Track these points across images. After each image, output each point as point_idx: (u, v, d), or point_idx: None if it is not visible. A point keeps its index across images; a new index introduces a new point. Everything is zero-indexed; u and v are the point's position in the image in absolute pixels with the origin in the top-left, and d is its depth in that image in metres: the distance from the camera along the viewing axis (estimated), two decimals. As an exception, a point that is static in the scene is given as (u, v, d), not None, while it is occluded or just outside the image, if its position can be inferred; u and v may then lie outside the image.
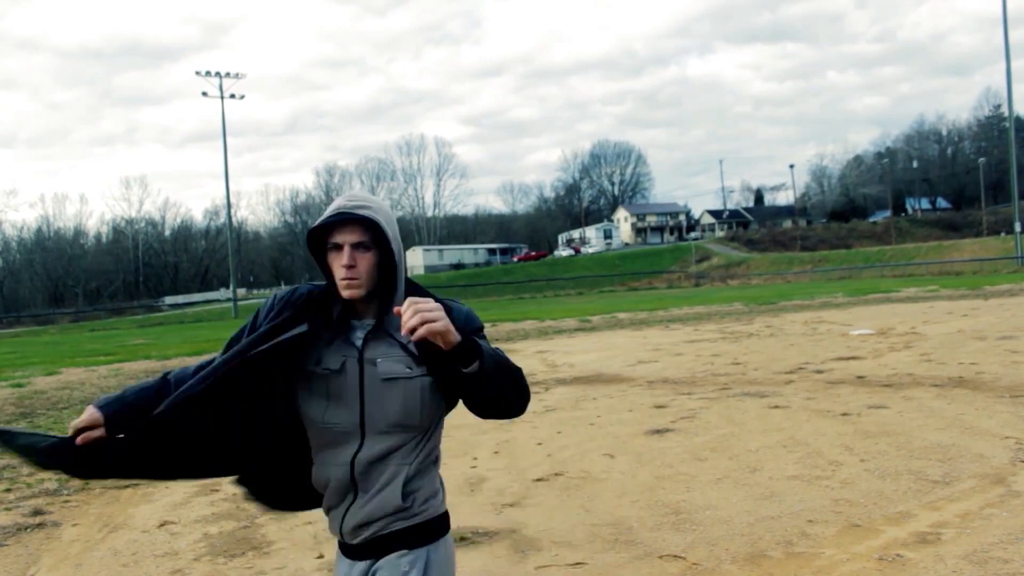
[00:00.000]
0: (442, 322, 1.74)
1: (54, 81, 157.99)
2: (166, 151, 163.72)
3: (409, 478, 1.97)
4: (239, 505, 5.97)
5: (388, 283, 1.99)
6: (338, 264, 1.95)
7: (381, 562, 1.99)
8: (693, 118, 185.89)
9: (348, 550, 2.06)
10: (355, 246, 1.94)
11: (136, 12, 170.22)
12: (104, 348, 25.96)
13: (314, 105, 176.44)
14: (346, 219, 1.94)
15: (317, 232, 1.98)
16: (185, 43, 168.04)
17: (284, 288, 2.16)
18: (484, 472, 6.62)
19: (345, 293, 1.95)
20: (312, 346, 1.98)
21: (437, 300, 1.97)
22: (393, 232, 1.98)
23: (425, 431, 2.00)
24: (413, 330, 1.72)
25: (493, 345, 1.93)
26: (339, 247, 1.95)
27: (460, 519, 5.22)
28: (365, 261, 1.95)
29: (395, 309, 1.79)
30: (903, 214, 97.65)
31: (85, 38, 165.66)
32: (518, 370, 1.94)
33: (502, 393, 1.89)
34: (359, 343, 1.98)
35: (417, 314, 1.73)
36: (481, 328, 2.00)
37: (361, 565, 2.02)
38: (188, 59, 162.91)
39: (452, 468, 6.77)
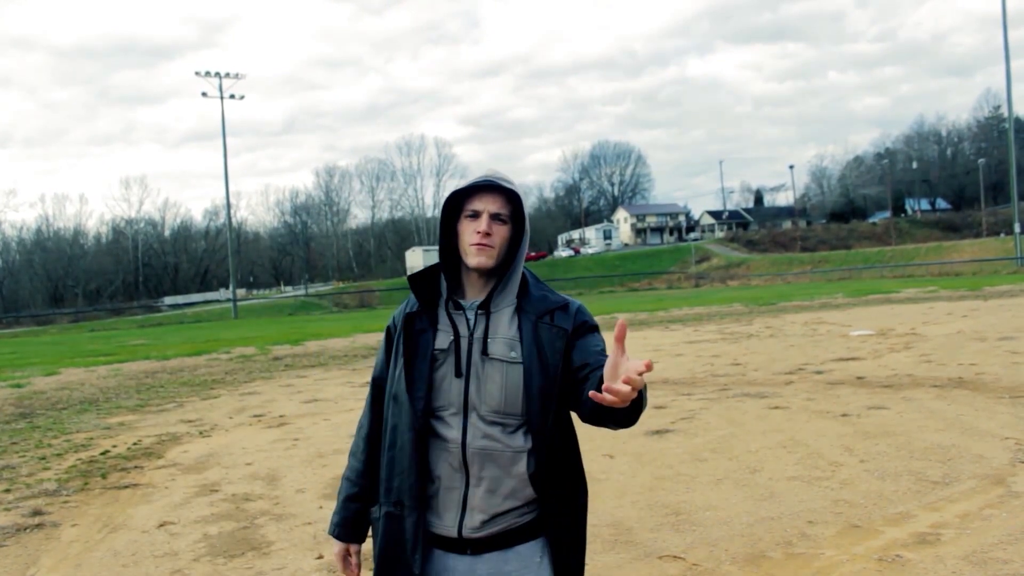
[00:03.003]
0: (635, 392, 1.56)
1: (50, 80, 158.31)
2: (164, 151, 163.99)
3: (531, 471, 1.89)
4: (238, 506, 5.97)
5: (507, 264, 1.97)
6: (472, 230, 1.92)
7: (508, 554, 1.92)
8: (693, 118, 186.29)
9: (460, 545, 1.93)
10: (494, 216, 1.92)
11: (132, 10, 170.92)
12: (104, 348, 25.96)
13: (312, 105, 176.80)
14: (490, 187, 1.93)
15: (454, 199, 1.96)
16: (181, 42, 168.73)
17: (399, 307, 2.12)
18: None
19: (473, 261, 1.91)
20: (427, 327, 1.97)
21: (556, 295, 1.97)
22: (527, 214, 1.98)
23: (534, 421, 1.88)
24: (611, 390, 1.53)
25: None
26: (477, 214, 1.93)
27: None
28: (500, 233, 1.93)
29: (624, 380, 1.53)
30: (903, 215, 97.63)
31: (81, 36, 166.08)
32: (646, 394, 1.79)
33: (626, 416, 1.74)
34: (468, 321, 1.95)
35: (633, 390, 1.52)
36: (596, 327, 1.97)
37: (471, 559, 1.92)
38: (184, 58, 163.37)
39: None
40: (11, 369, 18.97)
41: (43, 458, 8.15)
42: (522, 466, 1.89)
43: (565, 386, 1.90)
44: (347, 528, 2.16)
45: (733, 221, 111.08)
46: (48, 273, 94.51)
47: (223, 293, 77.44)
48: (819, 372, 11.20)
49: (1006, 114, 62.80)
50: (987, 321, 17.09)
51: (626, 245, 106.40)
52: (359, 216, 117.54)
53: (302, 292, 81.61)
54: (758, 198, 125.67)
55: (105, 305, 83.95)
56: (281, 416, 10.24)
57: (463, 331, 1.94)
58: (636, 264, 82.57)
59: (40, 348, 29.97)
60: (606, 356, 1.87)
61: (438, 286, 2.02)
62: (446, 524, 1.92)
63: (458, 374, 1.91)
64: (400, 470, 1.96)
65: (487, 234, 1.90)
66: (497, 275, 1.97)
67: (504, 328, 1.92)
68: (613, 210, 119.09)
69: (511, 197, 1.94)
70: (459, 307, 1.97)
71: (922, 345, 13.55)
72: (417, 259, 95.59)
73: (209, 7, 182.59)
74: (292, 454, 7.80)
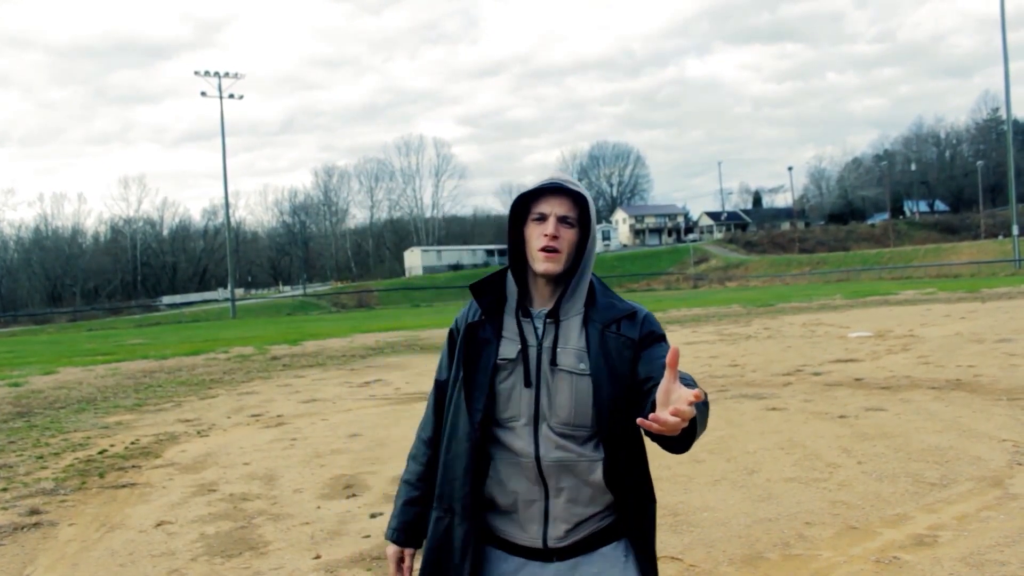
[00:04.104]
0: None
1: (48, 79, 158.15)
2: (161, 150, 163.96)
3: (607, 477, 1.86)
4: (236, 506, 5.97)
5: (574, 269, 1.93)
6: (539, 234, 1.88)
7: (592, 556, 1.89)
8: (692, 119, 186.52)
9: (546, 555, 1.90)
10: (561, 219, 1.88)
11: (129, 9, 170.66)
12: (102, 348, 25.94)
13: (310, 104, 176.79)
14: (557, 189, 1.89)
15: (521, 201, 1.93)
16: (179, 41, 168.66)
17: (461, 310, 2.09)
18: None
19: (541, 267, 1.88)
20: (491, 336, 1.94)
21: (623, 303, 1.93)
22: (595, 217, 1.93)
23: (605, 431, 1.85)
24: (658, 420, 1.52)
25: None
26: (544, 217, 1.89)
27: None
28: (568, 236, 1.89)
29: (672, 411, 1.49)
30: (901, 217, 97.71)
31: (77, 35, 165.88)
32: (708, 411, 1.78)
33: (679, 442, 1.68)
34: (538, 331, 1.91)
35: (682, 420, 1.50)
36: (663, 336, 1.93)
37: (557, 566, 1.90)
38: (182, 57, 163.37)
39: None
40: (9, 368, 18.95)
41: (40, 457, 8.14)
42: (598, 474, 1.86)
43: (632, 396, 1.87)
44: (405, 532, 2.11)
45: (732, 222, 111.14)
46: (46, 272, 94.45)
47: (221, 293, 77.41)
48: (817, 373, 11.21)
49: (1005, 116, 62.90)
50: (985, 323, 17.11)
51: (624, 246, 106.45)
52: (358, 216, 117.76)
53: (300, 292, 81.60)
54: (757, 199, 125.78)
55: (103, 304, 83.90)
56: (279, 416, 10.23)
57: (531, 340, 1.90)
58: (634, 265, 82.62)
59: (38, 347, 29.94)
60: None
61: (503, 292, 1.99)
62: (529, 536, 1.90)
63: (527, 384, 1.88)
64: (453, 477, 1.94)
65: (554, 237, 1.86)
66: (565, 280, 1.93)
67: (573, 339, 1.89)
68: (612, 211, 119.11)
69: (578, 200, 1.89)
70: (528, 315, 1.94)
71: (920, 347, 13.56)
72: (415, 260, 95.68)
73: (207, 6, 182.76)
74: (290, 454, 7.80)
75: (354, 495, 6.10)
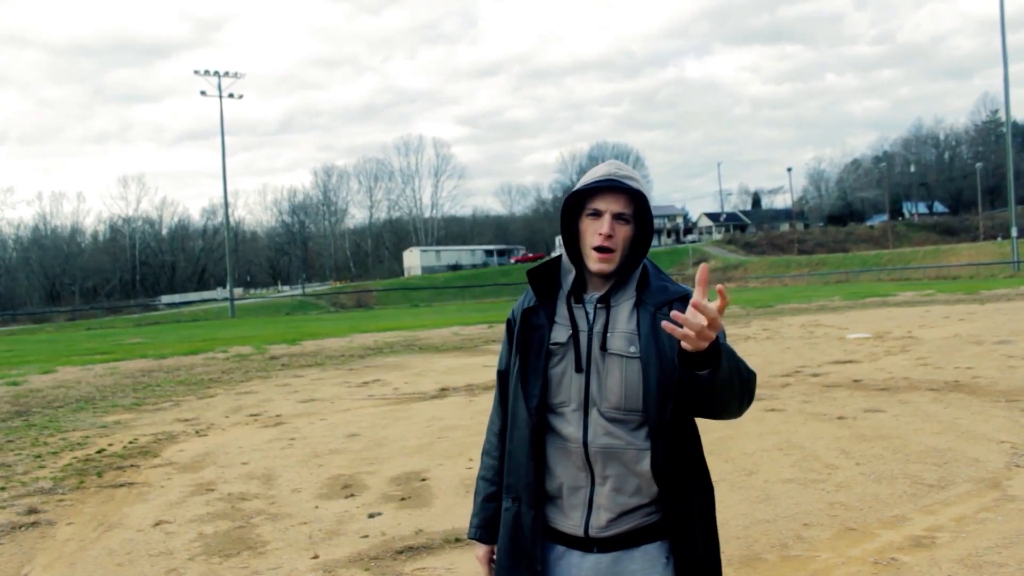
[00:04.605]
0: (713, 336, 1.61)
1: (45, 77, 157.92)
2: (160, 149, 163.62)
3: (655, 468, 1.82)
4: (234, 505, 5.96)
5: (632, 262, 1.91)
6: (594, 231, 1.87)
7: (634, 553, 1.86)
8: (691, 120, 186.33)
9: (587, 543, 1.88)
10: (616, 216, 1.86)
11: (127, 8, 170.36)
12: (100, 347, 25.91)
13: (309, 104, 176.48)
14: (613, 186, 1.87)
15: (576, 196, 1.91)
16: (177, 40, 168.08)
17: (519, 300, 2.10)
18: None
19: (595, 267, 1.87)
20: (544, 322, 1.94)
21: (676, 286, 1.91)
22: (652, 212, 1.92)
23: (653, 416, 1.83)
24: (679, 317, 1.59)
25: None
26: (599, 214, 1.87)
27: (457, 520, 5.22)
28: (622, 233, 1.87)
29: (693, 303, 1.60)
30: (900, 218, 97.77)
31: (75, 34, 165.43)
32: (750, 375, 1.81)
33: (723, 398, 1.75)
34: (587, 315, 1.90)
35: (707, 327, 1.58)
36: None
37: (596, 557, 1.87)
38: (180, 56, 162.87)
39: (448, 468, 6.77)
40: (7, 367, 18.93)
41: (39, 456, 8.14)
42: (646, 463, 1.83)
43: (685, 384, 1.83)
44: (488, 529, 2.10)
45: (731, 223, 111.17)
46: (45, 271, 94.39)
47: (220, 292, 77.35)
48: (816, 375, 11.21)
49: (1004, 118, 62.95)
50: (983, 325, 17.12)
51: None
52: (357, 216, 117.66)
53: (299, 292, 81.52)
54: (756, 200, 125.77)
55: (102, 303, 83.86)
56: (277, 416, 10.23)
57: (582, 325, 1.89)
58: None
59: (37, 346, 29.91)
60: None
61: (557, 279, 1.98)
62: (572, 523, 1.88)
63: (578, 369, 1.86)
64: (517, 465, 1.94)
65: (609, 236, 1.85)
66: (619, 272, 1.91)
67: (623, 322, 1.87)
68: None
69: (635, 196, 1.87)
70: (579, 300, 1.93)
71: (919, 348, 13.57)
72: (415, 260, 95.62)
73: (205, 5, 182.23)
74: (288, 454, 7.79)
75: (352, 495, 6.10)
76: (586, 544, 1.87)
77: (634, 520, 1.86)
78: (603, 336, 1.87)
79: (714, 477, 6.24)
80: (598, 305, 1.90)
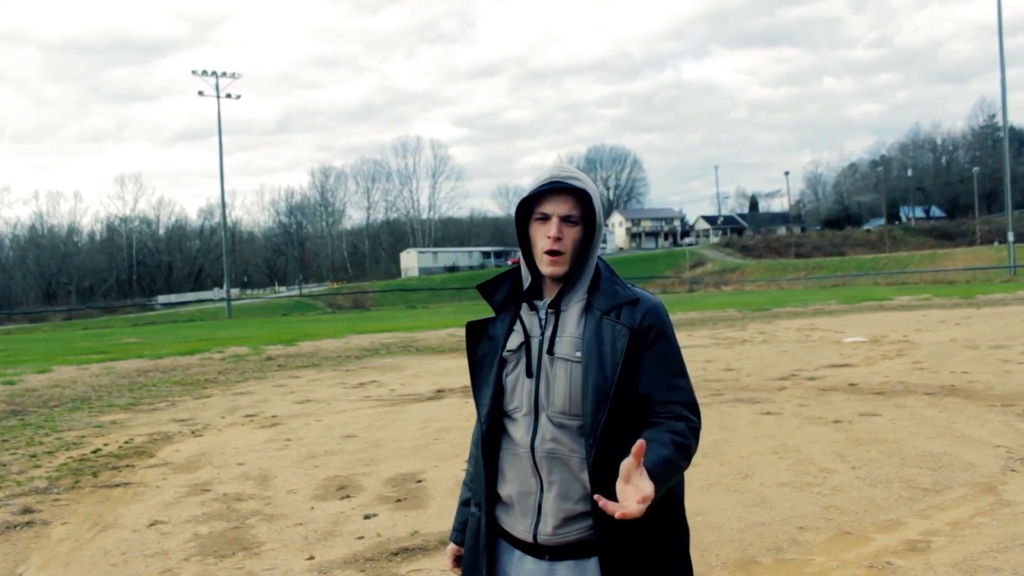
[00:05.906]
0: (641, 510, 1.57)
1: (41, 75, 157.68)
2: (156, 149, 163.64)
3: (590, 473, 1.80)
4: (230, 506, 5.96)
5: (581, 262, 1.91)
6: (543, 235, 1.87)
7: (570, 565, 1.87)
8: (689, 122, 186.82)
9: (538, 550, 1.88)
10: (564, 219, 1.87)
11: (124, 6, 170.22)
12: (96, 347, 25.87)
13: (306, 104, 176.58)
14: (558, 188, 1.87)
15: (527, 203, 1.91)
16: (174, 39, 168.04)
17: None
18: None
19: (547, 270, 1.88)
20: (497, 331, 1.97)
21: (628, 289, 1.90)
22: (600, 210, 1.90)
23: (587, 421, 1.80)
24: (606, 508, 1.58)
25: None
26: (547, 218, 1.87)
27: (452, 522, 5.21)
28: (571, 235, 1.87)
29: (619, 515, 1.56)
30: (897, 222, 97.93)
31: (71, 32, 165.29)
32: (688, 456, 1.80)
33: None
34: (540, 321, 1.91)
35: (630, 508, 1.56)
36: (667, 334, 1.89)
37: (549, 565, 1.87)
38: (178, 55, 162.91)
39: (444, 470, 6.77)
40: (3, 366, 18.88)
41: (34, 456, 8.12)
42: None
43: (627, 393, 1.83)
44: (461, 532, 2.15)
45: (728, 226, 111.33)
46: (41, 270, 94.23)
47: (217, 292, 77.30)
48: (812, 378, 11.23)
49: (1001, 123, 63.10)
50: (980, 329, 17.16)
51: (621, 249, 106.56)
52: (354, 217, 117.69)
53: (296, 292, 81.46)
54: (753, 204, 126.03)
55: (98, 303, 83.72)
56: (273, 416, 10.22)
57: (534, 332, 1.91)
58: (630, 269, 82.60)
59: (32, 345, 29.85)
60: (678, 390, 1.87)
61: (513, 288, 2.00)
62: (523, 528, 1.89)
63: (528, 374, 1.89)
64: (477, 472, 1.99)
65: (557, 238, 1.85)
66: (570, 275, 1.92)
67: (572, 326, 1.88)
68: (608, 214, 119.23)
69: (582, 196, 1.87)
70: (533, 308, 1.95)
71: (915, 352, 13.59)
72: (412, 261, 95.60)
73: (202, 4, 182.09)
74: (284, 454, 7.79)
75: (348, 496, 6.09)
76: (537, 551, 1.88)
77: (582, 529, 1.85)
78: (551, 341, 1.88)
79: (709, 480, 6.22)
80: (549, 310, 1.92)
